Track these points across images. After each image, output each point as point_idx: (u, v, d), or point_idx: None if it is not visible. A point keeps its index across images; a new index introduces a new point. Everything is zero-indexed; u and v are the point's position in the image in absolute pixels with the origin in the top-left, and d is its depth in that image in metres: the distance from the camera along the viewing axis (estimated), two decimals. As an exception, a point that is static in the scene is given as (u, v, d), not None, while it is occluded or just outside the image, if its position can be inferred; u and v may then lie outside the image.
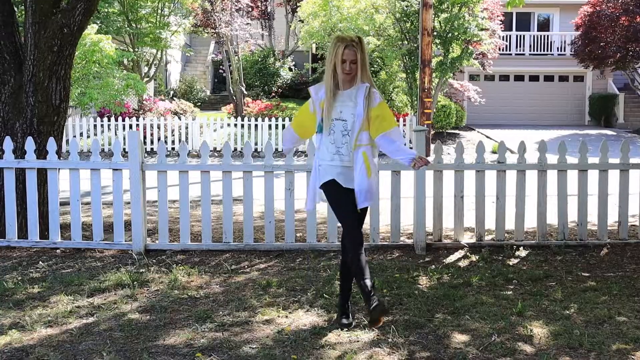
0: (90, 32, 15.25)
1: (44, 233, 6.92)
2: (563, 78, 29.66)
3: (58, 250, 6.72)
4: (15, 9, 8.28)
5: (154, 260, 6.33)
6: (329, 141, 4.39)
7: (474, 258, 6.33)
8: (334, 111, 4.35)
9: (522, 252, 6.53)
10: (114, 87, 16.22)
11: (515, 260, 6.26)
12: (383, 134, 4.32)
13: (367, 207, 4.57)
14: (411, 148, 11.60)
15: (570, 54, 26.58)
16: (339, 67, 4.28)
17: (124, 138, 18.05)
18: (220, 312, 4.75)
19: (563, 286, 5.35)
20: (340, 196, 4.40)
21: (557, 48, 29.66)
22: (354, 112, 4.32)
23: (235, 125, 20.34)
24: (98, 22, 19.39)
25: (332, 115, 4.35)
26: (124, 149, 16.15)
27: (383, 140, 4.33)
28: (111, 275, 5.73)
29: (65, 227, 7.22)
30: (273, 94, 28.57)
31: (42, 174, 6.88)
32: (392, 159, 4.74)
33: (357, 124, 4.32)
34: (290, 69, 30.56)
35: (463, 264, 6.18)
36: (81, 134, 19.61)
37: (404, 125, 19.65)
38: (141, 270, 5.93)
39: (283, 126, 19.97)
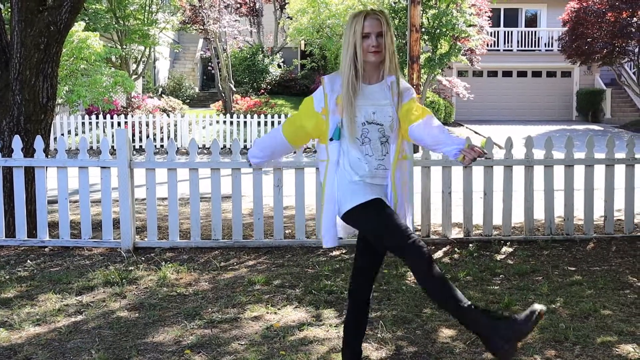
0: (78, 29, 15.18)
1: (32, 231, 6.91)
2: (551, 74, 29.80)
3: (46, 249, 6.71)
4: (2, 6, 8.24)
5: (143, 258, 6.33)
6: (364, 152, 3.22)
7: (461, 253, 6.37)
8: (361, 111, 3.20)
9: (510, 247, 6.58)
10: (102, 84, 16.16)
11: (502, 255, 6.31)
12: (414, 124, 3.21)
13: None
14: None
15: (558, 50, 26.70)
16: (359, 46, 3.15)
17: (112, 136, 18.00)
18: (209, 309, 4.77)
19: (549, 280, 5.40)
20: (389, 208, 3.19)
21: (545, 44, 29.80)
22: (392, 115, 3.24)
23: (224, 122, 20.31)
24: (86, 19, 19.30)
25: (360, 117, 3.21)
26: (112, 147, 16.10)
27: (416, 128, 3.21)
28: (100, 273, 5.73)
29: (53, 226, 7.21)
30: (262, 91, 28.54)
31: (29, 173, 6.86)
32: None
33: (395, 128, 3.26)
34: (279, 66, 30.53)
35: (451, 259, 6.22)
36: (69, 132, 19.53)
37: (393, 121, 19.65)
38: (130, 268, 5.94)
39: (272, 123, 19.98)
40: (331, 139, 3.23)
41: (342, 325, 4.37)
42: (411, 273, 5.26)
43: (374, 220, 3.14)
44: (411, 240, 2.98)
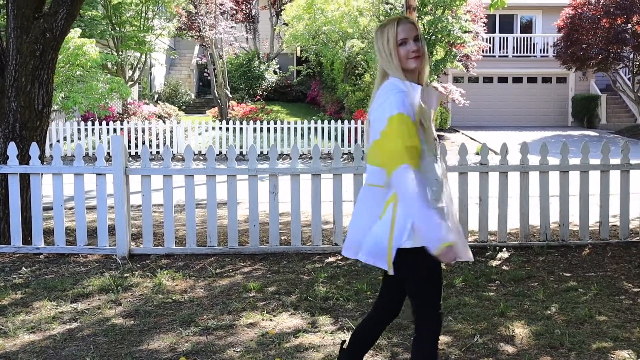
0: (74, 35, 15.18)
1: (27, 238, 6.89)
2: (546, 79, 29.88)
3: (41, 256, 6.69)
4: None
5: (138, 265, 6.32)
6: (441, 171, 2.97)
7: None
8: (432, 124, 2.97)
9: (505, 253, 6.58)
10: (98, 90, 16.16)
11: (498, 261, 6.31)
12: None
13: None
14: None
15: (553, 56, 26.78)
16: (394, 55, 2.92)
17: (108, 142, 17.98)
18: (205, 316, 4.76)
19: (545, 286, 5.41)
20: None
21: (540, 50, 29.88)
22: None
23: (220, 128, 20.32)
24: (82, 26, 19.30)
25: (433, 132, 2.96)
26: (108, 153, 16.09)
27: None
28: (95, 280, 5.72)
29: (48, 233, 7.19)
30: (258, 97, 28.56)
31: (24, 179, 6.85)
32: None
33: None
34: (275, 72, 30.56)
35: (446, 265, 6.22)
36: (65, 139, 19.51)
37: (389, 127, 19.67)
38: (125, 275, 5.92)
39: (268, 129, 19.98)
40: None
41: (340, 332, 4.37)
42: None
43: (438, 269, 2.93)
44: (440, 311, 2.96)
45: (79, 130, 19.40)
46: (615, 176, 6.93)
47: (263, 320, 4.67)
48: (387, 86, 2.93)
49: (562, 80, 29.67)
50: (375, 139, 2.92)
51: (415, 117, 2.83)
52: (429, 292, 2.96)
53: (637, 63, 24.10)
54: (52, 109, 7.50)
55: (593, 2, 22.50)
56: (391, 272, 2.90)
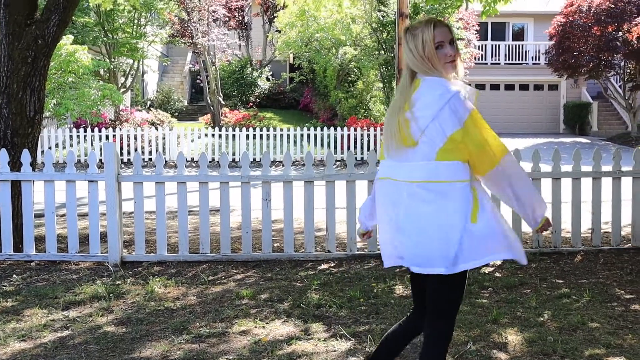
0: (66, 42, 15.16)
1: (18, 246, 6.85)
2: (538, 87, 30.04)
3: (32, 263, 6.65)
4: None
5: (131, 272, 6.30)
6: None
7: (450, 266, 6.36)
8: None
9: (498, 260, 6.57)
10: (90, 97, 16.13)
11: (490, 268, 6.31)
12: None
13: None
14: None
15: (545, 63, 26.93)
16: (434, 57, 2.87)
17: (100, 149, 17.94)
18: (197, 324, 4.74)
19: (537, 293, 5.41)
20: None
21: (532, 57, 30.05)
22: None
23: (213, 135, 20.30)
24: (74, 32, 19.28)
25: None
26: (100, 160, 16.05)
27: None
28: (87, 287, 5.69)
29: (39, 240, 7.15)
30: (251, 104, 28.59)
31: (16, 186, 6.82)
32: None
33: None
34: (267, 79, 30.61)
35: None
36: (57, 145, 19.45)
37: (381, 134, 19.71)
38: (117, 282, 5.90)
39: (261, 136, 19.97)
40: None
41: (333, 339, 4.36)
42: (389, 282, 5.23)
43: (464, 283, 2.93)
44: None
45: (70, 137, 19.35)
46: (607, 183, 6.95)
47: (256, 327, 4.65)
48: (437, 84, 2.88)
49: (553, 87, 29.83)
50: (445, 135, 2.80)
51: None
52: (458, 299, 2.95)
53: (628, 70, 24.25)
54: (43, 115, 7.47)
55: (584, 10, 22.64)
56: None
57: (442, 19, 3.05)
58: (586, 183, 6.98)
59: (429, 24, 2.89)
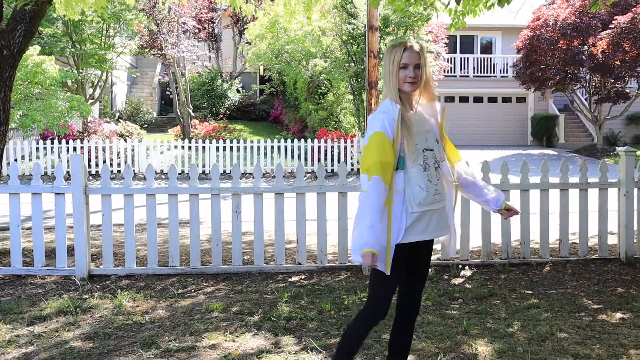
0: (33, 53, 14.95)
1: (-17, 260, 6.71)
2: (506, 99, 30.42)
3: (-3, 277, 6.51)
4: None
5: (98, 286, 6.20)
6: (426, 178, 3.31)
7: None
8: (419, 139, 3.32)
9: (468, 271, 6.62)
10: (57, 108, 15.90)
11: (460, 279, 6.34)
12: (458, 162, 3.55)
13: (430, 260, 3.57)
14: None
15: (513, 76, 27.29)
16: (395, 77, 3.29)
17: (68, 161, 17.70)
18: (166, 338, 4.67)
19: (507, 304, 5.45)
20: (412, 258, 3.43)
21: (500, 70, 30.45)
22: (436, 139, 3.42)
23: (183, 147, 20.18)
24: (41, 43, 19.03)
25: (420, 144, 3.32)
26: (68, 172, 15.83)
27: (462, 169, 3.57)
28: (53, 302, 5.58)
29: (4, 254, 7.02)
30: (221, 116, 28.49)
31: (-20, 199, 6.68)
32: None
33: (442, 153, 3.45)
34: (238, 91, 30.56)
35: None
36: (23, 157, 19.15)
37: (352, 146, 19.80)
38: (84, 296, 5.80)
39: (231, 148, 19.87)
40: (397, 169, 3.27)
41: (303, 352, 4.33)
42: (360, 294, 5.22)
43: (402, 261, 3.35)
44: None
45: (37, 148, 19.07)
46: (574, 194, 7.04)
47: (226, 341, 4.60)
48: (380, 106, 3.37)
49: (521, 100, 30.25)
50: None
51: (394, 135, 3.23)
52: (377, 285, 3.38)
53: (594, 84, 24.68)
54: (9, 127, 7.33)
55: (550, 24, 23.01)
56: (388, 272, 3.24)
57: (419, 46, 3.34)
58: (554, 194, 7.06)
59: (401, 46, 3.30)
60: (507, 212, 3.58)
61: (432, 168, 3.33)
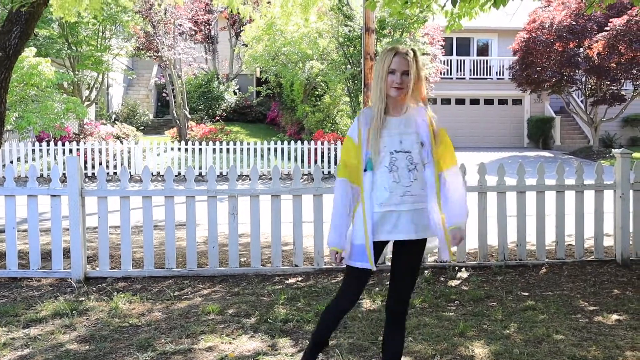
0: (29, 54, 14.93)
1: (-22, 262, 6.69)
2: (502, 101, 30.46)
3: (-7, 280, 6.50)
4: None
5: (94, 288, 6.19)
6: (391, 179, 3.39)
7: (417, 280, 6.38)
8: (389, 141, 3.41)
9: (464, 273, 6.63)
10: (53, 110, 15.87)
11: (457, 281, 6.35)
12: (448, 170, 3.48)
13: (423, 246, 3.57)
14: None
15: (509, 78, 27.33)
16: (383, 81, 3.40)
17: (64, 163, 17.66)
18: (162, 340, 4.66)
19: (503, 306, 5.45)
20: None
21: (496, 72, 30.49)
22: (417, 141, 3.43)
23: (179, 149, 20.16)
24: (37, 44, 19.00)
25: (389, 146, 3.41)
26: (64, 174, 15.80)
27: (447, 178, 3.49)
28: (49, 304, 5.57)
29: (0, 256, 6.99)
30: (217, 118, 28.47)
31: (-24, 201, 6.67)
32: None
33: (425, 156, 3.44)
34: (234, 93, 30.54)
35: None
36: (19, 159, 19.11)
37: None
38: (80, 299, 5.79)
39: (228, 150, 19.87)
40: (365, 170, 3.43)
41: (300, 354, 4.33)
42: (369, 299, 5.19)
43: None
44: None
45: (33, 151, 19.03)
46: (570, 196, 7.05)
47: (222, 343, 4.60)
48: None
49: (517, 102, 30.30)
50: None
51: (358, 138, 3.44)
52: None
53: (589, 86, 24.74)
54: (5, 129, 7.32)
55: (546, 26, 23.06)
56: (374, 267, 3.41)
57: (410, 53, 3.40)
58: (550, 196, 7.07)
59: (392, 52, 3.40)
60: (452, 237, 3.46)
61: (402, 170, 3.39)
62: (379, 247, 3.47)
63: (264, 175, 18.94)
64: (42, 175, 18.08)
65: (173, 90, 24.42)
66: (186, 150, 20.07)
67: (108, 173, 18.61)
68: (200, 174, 18.83)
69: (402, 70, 3.37)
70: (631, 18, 20.78)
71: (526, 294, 5.88)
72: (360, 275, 3.51)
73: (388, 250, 3.64)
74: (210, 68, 31.45)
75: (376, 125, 3.39)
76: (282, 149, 20.00)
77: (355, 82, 21.24)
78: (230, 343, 4.60)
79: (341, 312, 3.61)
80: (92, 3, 7.62)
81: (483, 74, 30.39)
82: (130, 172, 18.54)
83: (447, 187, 3.47)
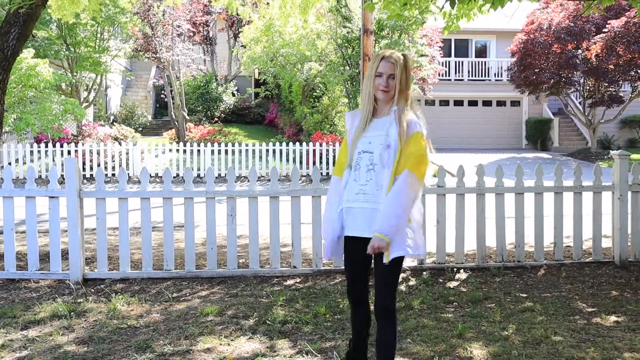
0: (27, 56, 14.92)
1: (-24, 263, 6.69)
2: (501, 103, 30.47)
3: (-9, 281, 6.49)
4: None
5: (93, 290, 6.18)
6: (352, 178, 3.56)
7: (415, 281, 6.39)
8: (361, 142, 3.56)
9: (463, 275, 6.63)
10: (51, 112, 15.86)
11: (455, 283, 6.35)
12: (399, 175, 3.43)
13: (395, 264, 3.47)
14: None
15: (507, 80, 27.36)
16: (372, 84, 3.54)
17: (62, 164, 17.65)
18: (161, 342, 4.66)
19: (502, 307, 5.45)
20: (352, 253, 3.64)
21: (495, 74, 30.51)
22: (383, 143, 3.49)
23: (177, 150, 20.14)
24: (35, 46, 18.99)
25: (359, 146, 3.56)
26: (62, 176, 15.79)
27: (395, 182, 3.44)
28: (47, 306, 5.56)
29: (-2, 257, 6.99)
30: (216, 119, 28.46)
31: (-26, 203, 6.66)
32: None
33: (386, 157, 3.47)
34: (232, 94, 30.54)
35: (405, 287, 6.23)
36: (17, 161, 19.09)
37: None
38: (79, 300, 5.78)
39: (226, 152, 19.87)
40: (346, 168, 3.65)
41: (299, 356, 4.33)
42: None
43: (345, 254, 3.69)
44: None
45: (31, 152, 19.01)
46: (568, 198, 7.06)
47: (221, 344, 4.60)
48: None
49: (516, 103, 30.31)
50: None
51: (348, 134, 3.68)
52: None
53: (588, 87, 24.77)
54: (3, 130, 7.32)
55: (545, 28, 23.08)
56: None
57: (398, 57, 3.51)
58: (548, 198, 7.07)
59: (379, 56, 3.53)
60: (370, 244, 3.41)
61: (362, 169, 3.53)
62: (349, 242, 3.61)
63: (263, 176, 18.94)
64: (40, 177, 18.06)
65: (171, 91, 24.41)
66: (184, 151, 20.06)
67: (106, 174, 18.60)
68: (198, 176, 18.81)
69: (389, 74, 3.50)
70: (629, 20, 20.80)
71: (524, 295, 5.88)
72: (346, 267, 3.71)
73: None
74: (209, 69, 31.45)
75: (361, 125, 3.57)
76: (281, 151, 20.00)
77: (354, 83, 21.25)
78: (228, 344, 4.60)
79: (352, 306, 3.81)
80: (91, 4, 7.62)
81: (481, 76, 30.40)
82: (128, 174, 18.53)
83: (390, 191, 3.42)
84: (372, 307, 3.69)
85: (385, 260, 3.40)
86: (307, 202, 6.87)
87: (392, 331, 3.52)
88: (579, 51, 22.91)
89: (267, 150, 20.05)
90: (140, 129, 27.37)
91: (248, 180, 8.79)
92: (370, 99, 3.56)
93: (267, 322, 5.07)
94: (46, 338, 4.78)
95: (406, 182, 3.38)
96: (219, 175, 18.83)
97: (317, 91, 24.45)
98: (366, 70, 13.11)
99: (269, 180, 17.90)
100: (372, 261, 3.58)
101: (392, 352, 3.52)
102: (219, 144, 20.08)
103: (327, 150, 19.91)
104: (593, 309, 5.42)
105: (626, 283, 6.31)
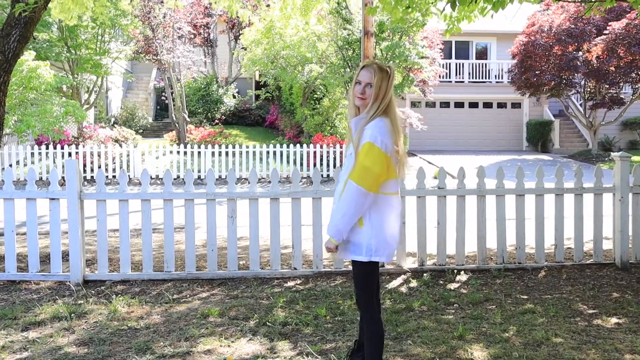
0: (28, 58, 14.93)
1: (-23, 265, 6.68)
2: (501, 105, 30.46)
3: (-9, 283, 6.49)
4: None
5: (93, 291, 6.18)
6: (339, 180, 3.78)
7: (416, 283, 6.39)
8: (349, 147, 3.71)
9: (463, 276, 6.62)
10: (52, 114, 15.85)
11: (456, 285, 6.34)
12: (349, 181, 3.57)
13: (356, 265, 3.66)
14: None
15: (508, 82, 27.34)
16: (352, 89, 3.69)
17: (63, 166, 17.65)
18: (161, 343, 4.66)
19: (502, 309, 5.45)
20: None
21: (495, 76, 30.49)
22: (350, 150, 3.66)
23: (178, 152, 20.15)
24: (36, 48, 18.99)
25: (347, 151, 3.73)
26: (63, 178, 15.79)
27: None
28: (47, 307, 5.56)
29: (-1, 259, 6.99)
30: (216, 121, 28.47)
31: (-26, 204, 6.66)
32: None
33: (347, 164, 3.66)
34: (233, 96, 30.54)
35: (405, 289, 6.23)
36: (18, 162, 19.10)
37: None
38: (79, 302, 5.78)
39: (227, 153, 19.86)
40: None
41: (299, 357, 4.32)
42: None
43: None
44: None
45: (32, 154, 19.02)
46: (569, 200, 7.06)
47: (221, 346, 4.59)
48: None
49: (516, 105, 30.30)
50: None
51: None
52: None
53: (588, 89, 24.76)
54: (4, 132, 7.32)
55: (545, 30, 23.08)
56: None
57: (376, 68, 3.64)
58: (549, 199, 7.07)
59: (362, 65, 3.69)
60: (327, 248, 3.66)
61: (343, 172, 3.70)
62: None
63: (263, 178, 18.95)
64: (41, 179, 18.07)
65: (172, 93, 24.42)
66: (185, 153, 20.06)
67: (107, 176, 18.60)
68: (199, 177, 18.82)
69: (366, 83, 3.62)
70: (630, 22, 20.81)
71: (525, 297, 5.88)
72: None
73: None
74: (209, 71, 31.46)
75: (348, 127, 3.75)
76: (281, 152, 20.00)
77: (355, 85, 21.22)
78: (229, 346, 4.60)
79: None
80: (97, 7, 7.61)
81: (482, 78, 30.39)
82: (129, 176, 18.56)
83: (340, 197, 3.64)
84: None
85: (340, 257, 3.71)
86: (308, 204, 6.87)
87: (367, 322, 3.70)
88: (580, 53, 22.91)
89: (268, 152, 20.05)
90: (141, 131, 27.37)
91: (248, 182, 8.79)
92: (353, 105, 3.71)
93: (268, 323, 5.07)
94: (46, 339, 4.78)
95: (348, 190, 3.54)
96: (220, 177, 18.83)
97: (318, 93, 24.45)
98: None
99: (269, 182, 17.91)
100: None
101: (374, 340, 3.67)
102: (220, 146, 20.09)
103: (328, 152, 19.91)
104: (594, 311, 5.41)
105: (627, 285, 6.30)
